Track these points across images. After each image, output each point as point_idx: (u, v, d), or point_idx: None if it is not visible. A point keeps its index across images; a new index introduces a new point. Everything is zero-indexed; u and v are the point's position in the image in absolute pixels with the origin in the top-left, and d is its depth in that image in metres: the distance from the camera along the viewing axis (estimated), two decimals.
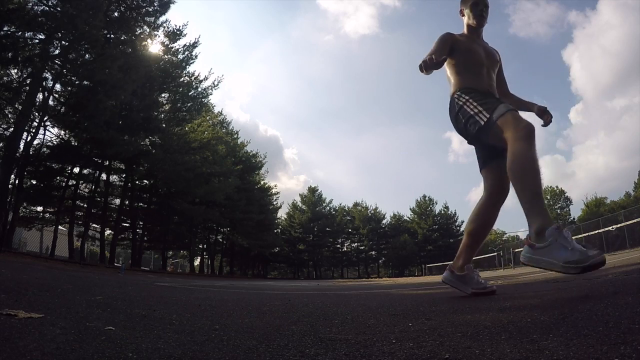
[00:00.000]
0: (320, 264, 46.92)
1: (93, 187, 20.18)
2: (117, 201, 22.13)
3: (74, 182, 18.65)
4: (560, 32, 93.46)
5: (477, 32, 2.52)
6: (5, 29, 12.02)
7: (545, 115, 2.43)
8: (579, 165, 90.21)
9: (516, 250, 25.17)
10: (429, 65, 2.08)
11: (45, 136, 16.26)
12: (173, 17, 42.19)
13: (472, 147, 2.51)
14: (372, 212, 47.59)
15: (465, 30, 2.55)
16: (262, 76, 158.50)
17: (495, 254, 28.89)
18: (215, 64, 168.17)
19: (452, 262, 2.46)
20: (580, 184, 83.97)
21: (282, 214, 43.97)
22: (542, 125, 2.43)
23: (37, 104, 14.28)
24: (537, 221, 1.71)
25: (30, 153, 15.38)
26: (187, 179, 19.44)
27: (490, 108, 2.08)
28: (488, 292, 2.25)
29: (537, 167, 1.80)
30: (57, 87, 15.23)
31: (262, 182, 34.61)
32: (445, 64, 2.39)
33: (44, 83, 14.11)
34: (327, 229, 45.17)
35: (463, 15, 2.53)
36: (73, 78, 14.50)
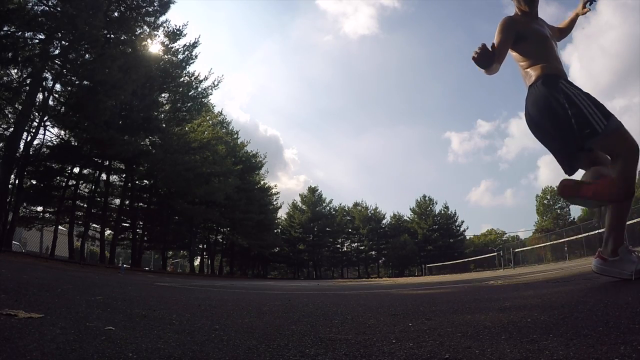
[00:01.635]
0: (320, 264, 46.90)
1: (93, 187, 20.17)
2: (117, 201, 22.12)
3: (74, 182, 18.63)
4: None
5: (533, 13, 2.40)
6: (5, 29, 12.02)
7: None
8: None
9: (516, 250, 25.20)
10: (481, 55, 1.96)
11: (45, 136, 16.25)
12: (173, 17, 42.25)
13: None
14: (372, 212, 47.57)
15: (518, 12, 2.41)
16: (262, 76, 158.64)
17: (495, 254, 28.89)
18: (215, 64, 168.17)
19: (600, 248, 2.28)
20: None
21: (282, 214, 44.02)
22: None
23: (37, 104, 14.27)
24: (615, 240, 2.02)
25: (30, 153, 15.36)
26: (187, 179, 19.43)
27: (605, 112, 2.00)
28: None
29: (634, 190, 2.04)
30: (57, 87, 15.23)
31: (262, 182, 34.60)
32: (516, 50, 2.30)
33: (44, 83, 14.11)
34: (327, 229, 45.15)
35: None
36: (73, 78, 14.49)
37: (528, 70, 2.28)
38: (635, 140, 1.99)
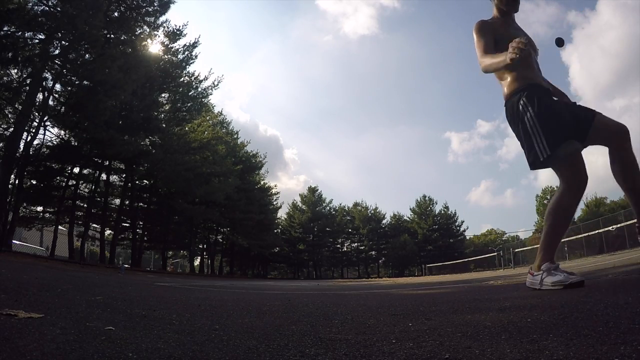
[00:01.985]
0: (320, 264, 46.89)
1: (93, 187, 20.17)
2: (117, 201, 22.12)
3: (74, 182, 18.64)
4: (560, 33, 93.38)
5: (510, 16, 2.36)
6: (5, 29, 12.01)
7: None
8: None
9: (516, 250, 25.21)
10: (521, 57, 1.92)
11: (45, 136, 16.25)
12: (173, 17, 42.26)
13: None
14: (372, 212, 47.57)
15: (496, 14, 2.37)
16: (262, 76, 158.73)
17: (495, 254, 28.89)
18: (215, 64, 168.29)
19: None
20: None
21: (282, 214, 44.02)
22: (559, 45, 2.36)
23: (37, 104, 14.27)
24: (542, 257, 2.13)
25: (30, 153, 15.36)
26: (187, 179, 19.43)
27: (553, 141, 2.01)
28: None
29: (569, 220, 2.15)
30: (57, 87, 15.22)
31: (262, 182, 34.60)
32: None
33: (44, 83, 14.10)
34: (327, 229, 45.14)
35: None
36: (73, 78, 14.48)
37: (501, 82, 2.32)
38: (584, 173, 2.04)
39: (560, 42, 2.27)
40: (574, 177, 2.04)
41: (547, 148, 2.01)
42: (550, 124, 2.04)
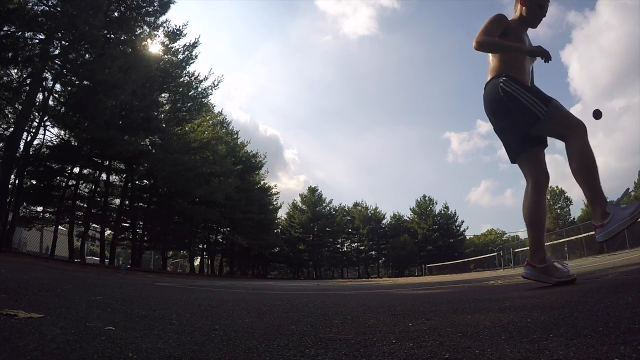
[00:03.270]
0: (320, 264, 46.88)
1: (93, 187, 20.17)
2: (117, 201, 22.12)
3: (74, 182, 18.63)
4: (559, 33, 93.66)
5: (527, 27, 2.54)
6: (5, 29, 12.01)
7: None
8: None
9: (516, 250, 25.19)
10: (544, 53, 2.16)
11: (45, 136, 16.26)
12: (173, 17, 42.30)
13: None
14: (372, 212, 47.55)
15: (516, 18, 2.53)
16: (262, 76, 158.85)
17: (495, 254, 28.88)
18: (215, 64, 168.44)
19: (528, 258, 2.50)
20: None
21: (282, 214, 44.02)
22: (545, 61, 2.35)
23: (37, 104, 14.27)
24: (601, 204, 2.08)
25: (30, 153, 15.36)
26: (187, 179, 19.43)
27: (544, 100, 2.17)
28: (571, 280, 2.33)
29: (595, 159, 2.15)
30: (57, 87, 15.23)
31: (262, 182, 34.58)
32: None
33: (44, 83, 14.10)
34: (327, 229, 45.12)
35: (523, 5, 2.49)
36: (73, 78, 14.48)
37: (490, 67, 2.46)
38: (579, 118, 2.16)
39: (598, 115, 2.30)
40: (575, 121, 2.14)
41: (542, 104, 2.15)
42: (536, 90, 2.28)
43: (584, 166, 2.09)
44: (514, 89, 2.25)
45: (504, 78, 2.30)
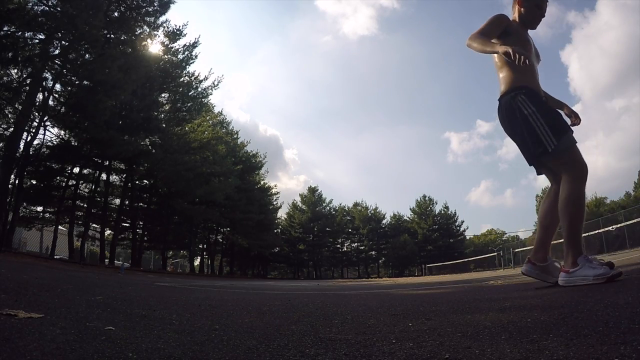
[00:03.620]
0: (320, 264, 46.87)
1: (93, 187, 20.17)
2: (117, 201, 22.12)
3: (74, 182, 18.63)
4: (559, 33, 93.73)
5: (526, 28, 2.48)
6: (5, 29, 12.01)
7: (573, 117, 2.48)
8: None
9: (516, 250, 25.18)
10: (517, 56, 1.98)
11: (45, 136, 16.24)
12: (173, 17, 42.37)
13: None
14: (372, 212, 47.54)
15: (516, 19, 2.48)
16: (262, 76, 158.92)
17: (495, 254, 28.87)
18: (215, 64, 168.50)
19: (530, 255, 2.48)
20: None
21: (282, 214, 44.02)
22: (571, 125, 2.38)
23: (37, 104, 14.26)
24: (573, 253, 2.12)
25: (30, 153, 15.36)
26: (187, 179, 19.43)
27: (557, 132, 2.10)
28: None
29: (584, 207, 2.15)
30: (57, 87, 15.22)
31: (262, 182, 34.58)
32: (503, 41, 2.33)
33: (44, 83, 14.10)
34: (327, 229, 45.11)
35: (521, 6, 2.45)
36: (73, 78, 14.48)
37: (500, 76, 2.39)
38: (585, 162, 2.13)
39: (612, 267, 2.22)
40: (579, 165, 2.11)
41: (554, 138, 2.09)
42: (552, 117, 2.18)
43: (570, 212, 2.10)
44: (530, 112, 2.17)
45: (522, 96, 2.22)
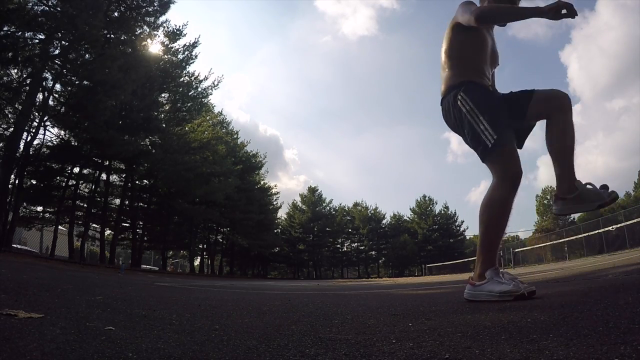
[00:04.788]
0: (320, 264, 46.87)
1: (93, 187, 20.18)
2: (117, 201, 22.13)
3: (74, 182, 18.64)
4: (559, 33, 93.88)
5: (492, 25, 2.21)
6: (5, 29, 12.02)
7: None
8: (578, 166, 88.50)
9: (516, 250, 25.21)
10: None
11: (45, 136, 16.27)
12: (173, 17, 42.25)
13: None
14: (372, 212, 47.55)
15: None
16: (262, 76, 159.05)
17: None
18: (215, 64, 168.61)
19: (556, 192, 2.11)
20: None
21: (282, 214, 44.03)
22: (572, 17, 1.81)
23: (37, 104, 14.27)
24: (482, 264, 1.92)
25: (30, 153, 15.37)
26: (187, 179, 19.43)
27: (495, 125, 1.88)
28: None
29: (507, 215, 1.90)
30: (57, 87, 15.24)
31: (262, 182, 34.60)
32: (452, 37, 2.12)
33: (44, 83, 14.11)
34: (327, 229, 45.12)
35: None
36: (73, 78, 14.49)
37: (446, 73, 2.13)
38: (517, 165, 1.89)
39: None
40: (509, 168, 1.88)
41: (493, 133, 1.87)
42: (490, 111, 1.94)
43: (489, 216, 1.91)
44: (468, 108, 1.96)
45: (461, 94, 1.99)
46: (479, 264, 1.94)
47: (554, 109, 1.94)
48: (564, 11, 1.75)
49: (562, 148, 1.91)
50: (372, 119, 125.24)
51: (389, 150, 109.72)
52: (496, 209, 1.89)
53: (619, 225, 17.31)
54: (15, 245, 15.48)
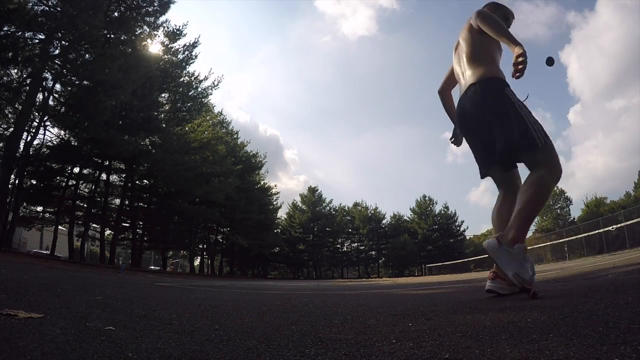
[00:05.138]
0: (320, 264, 46.86)
1: (93, 187, 20.18)
2: (117, 201, 22.14)
3: (74, 182, 18.64)
4: (559, 33, 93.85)
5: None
6: (5, 29, 12.02)
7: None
8: (578, 166, 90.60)
9: None
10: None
11: (45, 136, 16.27)
12: (173, 17, 42.31)
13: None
14: (372, 212, 47.54)
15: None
16: (262, 76, 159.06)
17: None
18: (215, 64, 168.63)
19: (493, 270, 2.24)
20: (580, 184, 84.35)
21: (282, 214, 44.02)
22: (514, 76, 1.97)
23: (37, 104, 14.28)
24: (519, 235, 1.91)
25: (30, 153, 15.37)
26: (187, 179, 19.44)
27: (545, 133, 1.98)
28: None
29: (546, 201, 2.06)
30: (57, 87, 15.25)
31: (262, 182, 34.59)
32: (475, 38, 2.24)
33: (44, 83, 14.11)
34: (327, 229, 45.10)
35: None
36: (73, 78, 14.49)
37: (474, 65, 2.22)
38: (561, 167, 2.00)
39: (550, 62, 2.16)
40: (558, 164, 1.99)
41: (544, 136, 1.96)
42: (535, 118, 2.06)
43: (537, 194, 1.93)
44: (520, 103, 2.03)
45: (509, 89, 2.09)
46: (514, 228, 1.89)
47: (544, 166, 2.01)
48: (520, 59, 1.87)
49: (525, 201, 1.94)
50: (372, 119, 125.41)
51: (389, 150, 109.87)
52: (544, 189, 1.94)
53: (619, 225, 17.30)
54: (34, 250, 15.47)
